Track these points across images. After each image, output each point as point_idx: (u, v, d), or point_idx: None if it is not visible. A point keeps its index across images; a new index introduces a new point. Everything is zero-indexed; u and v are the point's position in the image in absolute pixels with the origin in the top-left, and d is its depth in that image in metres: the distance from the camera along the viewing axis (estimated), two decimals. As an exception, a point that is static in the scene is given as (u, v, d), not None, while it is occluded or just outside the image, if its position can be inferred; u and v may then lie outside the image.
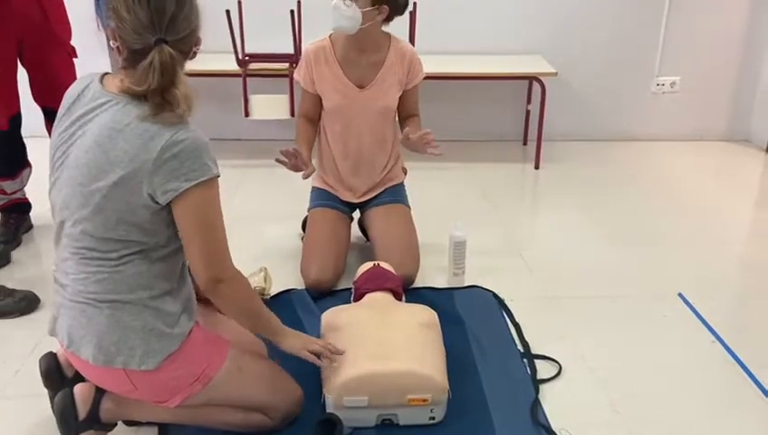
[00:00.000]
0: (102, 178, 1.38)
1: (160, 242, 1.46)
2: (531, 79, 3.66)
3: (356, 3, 2.23)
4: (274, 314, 1.67)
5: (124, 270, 1.44)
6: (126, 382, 1.49)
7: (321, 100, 2.44)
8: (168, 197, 1.38)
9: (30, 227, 2.83)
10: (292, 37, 3.32)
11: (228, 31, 3.30)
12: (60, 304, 1.51)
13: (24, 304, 2.25)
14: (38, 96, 2.66)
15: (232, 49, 3.34)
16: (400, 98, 2.47)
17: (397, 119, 2.54)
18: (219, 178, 1.45)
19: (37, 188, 2.78)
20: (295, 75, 2.48)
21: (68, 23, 2.67)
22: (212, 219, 1.44)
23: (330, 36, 2.43)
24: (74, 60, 2.69)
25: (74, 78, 2.69)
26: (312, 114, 2.47)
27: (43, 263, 2.63)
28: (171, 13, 1.35)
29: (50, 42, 2.57)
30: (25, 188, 2.78)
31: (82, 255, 1.44)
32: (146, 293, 1.45)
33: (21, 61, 2.59)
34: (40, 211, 2.76)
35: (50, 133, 2.72)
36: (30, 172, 2.78)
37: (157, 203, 1.40)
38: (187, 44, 1.41)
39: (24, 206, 2.80)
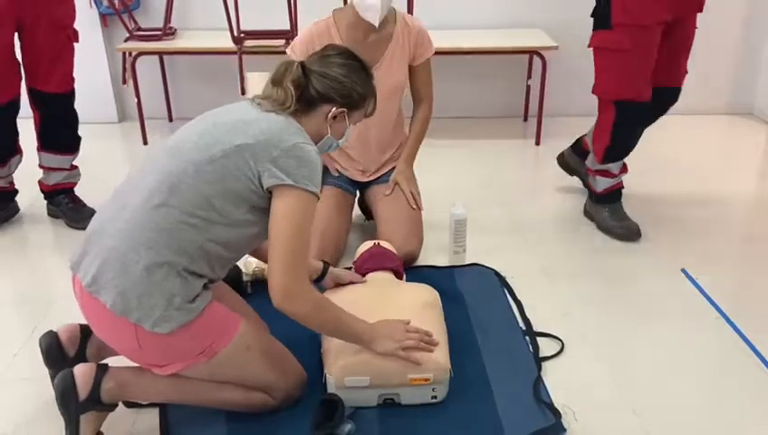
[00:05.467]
0: (233, 139, 1.54)
1: (230, 226, 1.53)
2: (531, 53, 3.60)
3: None
4: (356, 318, 1.66)
5: (185, 230, 1.49)
6: (132, 339, 1.50)
7: None
8: (271, 182, 1.52)
9: (15, 211, 2.77)
10: (288, 13, 3.27)
11: (223, 7, 3.25)
12: (95, 241, 1.53)
13: None
14: (30, 77, 2.57)
15: (227, 26, 3.29)
16: (410, 77, 2.42)
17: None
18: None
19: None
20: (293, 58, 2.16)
21: (70, 5, 2.58)
22: (301, 229, 1.54)
23: (333, 16, 2.34)
24: (75, 44, 2.60)
25: (72, 62, 2.62)
26: None
27: (26, 249, 2.61)
28: None
29: (49, 24, 2.49)
30: (14, 175, 2.71)
31: (162, 198, 1.50)
32: (186, 261, 1.50)
33: (20, 42, 2.52)
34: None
35: (35, 114, 2.67)
36: (20, 160, 2.70)
37: (259, 184, 1.52)
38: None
39: (5, 194, 2.73)
